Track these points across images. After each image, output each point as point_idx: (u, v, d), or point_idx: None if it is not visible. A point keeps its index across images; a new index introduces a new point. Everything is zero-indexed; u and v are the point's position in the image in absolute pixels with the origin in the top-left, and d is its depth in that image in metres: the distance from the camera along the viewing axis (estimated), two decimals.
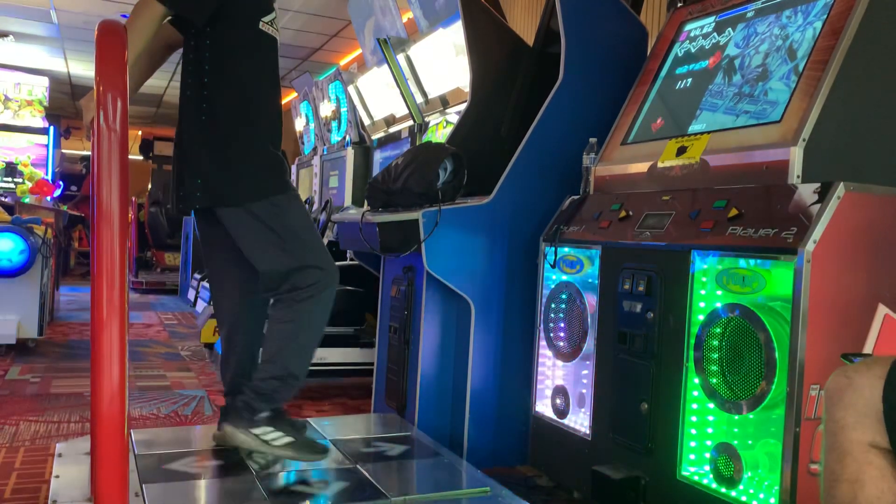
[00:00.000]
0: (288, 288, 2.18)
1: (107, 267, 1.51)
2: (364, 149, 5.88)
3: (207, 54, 2.16)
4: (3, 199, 6.10)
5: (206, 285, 6.40)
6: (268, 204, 2.17)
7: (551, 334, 2.60)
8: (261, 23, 2.21)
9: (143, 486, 2.02)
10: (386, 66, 4.77)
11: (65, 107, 12.32)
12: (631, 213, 2.30)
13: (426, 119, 4.73)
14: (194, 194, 2.17)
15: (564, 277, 2.56)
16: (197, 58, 2.18)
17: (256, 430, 2.16)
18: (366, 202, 3.06)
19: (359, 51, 7.36)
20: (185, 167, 2.19)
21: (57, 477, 2.10)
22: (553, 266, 2.58)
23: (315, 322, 2.23)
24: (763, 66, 2.20)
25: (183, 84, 2.21)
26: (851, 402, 1.14)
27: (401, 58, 4.64)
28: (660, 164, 2.32)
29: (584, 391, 2.45)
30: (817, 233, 1.73)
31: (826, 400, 1.16)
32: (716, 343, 1.94)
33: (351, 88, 5.76)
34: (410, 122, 4.92)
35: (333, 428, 2.71)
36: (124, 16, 2.17)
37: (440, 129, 4.46)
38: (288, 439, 2.18)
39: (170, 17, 2.13)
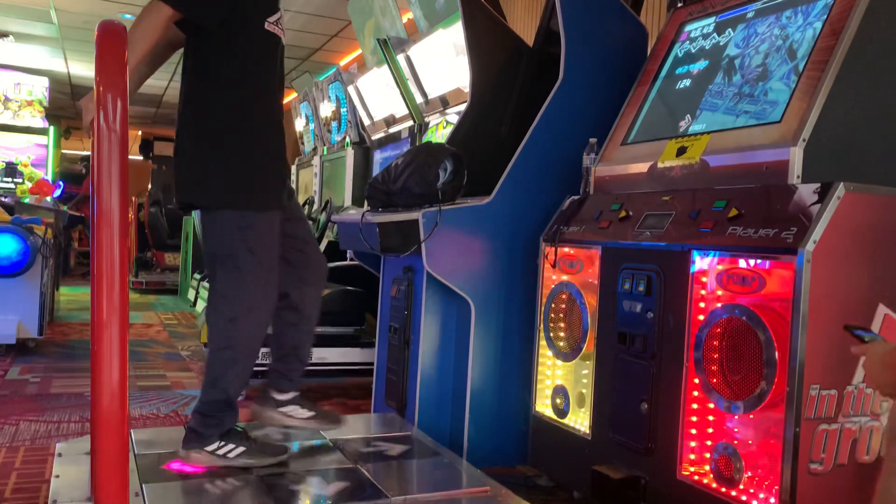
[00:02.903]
0: (220, 302, 2.21)
1: (107, 267, 1.51)
2: (364, 149, 5.88)
3: (212, 53, 2.15)
4: (3, 199, 6.10)
5: (207, 285, 6.40)
6: (237, 216, 2.17)
7: (551, 334, 2.60)
8: (266, 23, 2.20)
9: (143, 485, 2.02)
10: (386, 66, 4.78)
11: (65, 107, 12.32)
12: (631, 213, 2.30)
13: (426, 119, 4.73)
14: (183, 191, 2.21)
15: (564, 277, 2.56)
16: (201, 58, 2.17)
17: (210, 447, 2.20)
18: (366, 202, 3.06)
19: (359, 51, 7.36)
20: (180, 164, 2.20)
21: (57, 476, 2.10)
22: (553, 266, 2.59)
23: (246, 341, 2.24)
24: (763, 67, 2.20)
25: (185, 81, 2.21)
26: None
27: (401, 58, 4.64)
28: (660, 165, 2.32)
29: (584, 391, 2.45)
30: (817, 233, 1.73)
31: (887, 433, 1.16)
32: (716, 343, 1.94)
33: (351, 89, 5.77)
34: (410, 123, 4.92)
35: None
36: (126, 16, 2.16)
37: (440, 130, 4.46)
38: (241, 449, 2.21)
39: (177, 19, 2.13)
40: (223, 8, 2.12)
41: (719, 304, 1.95)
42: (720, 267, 1.96)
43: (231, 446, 2.20)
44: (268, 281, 2.23)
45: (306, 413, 2.47)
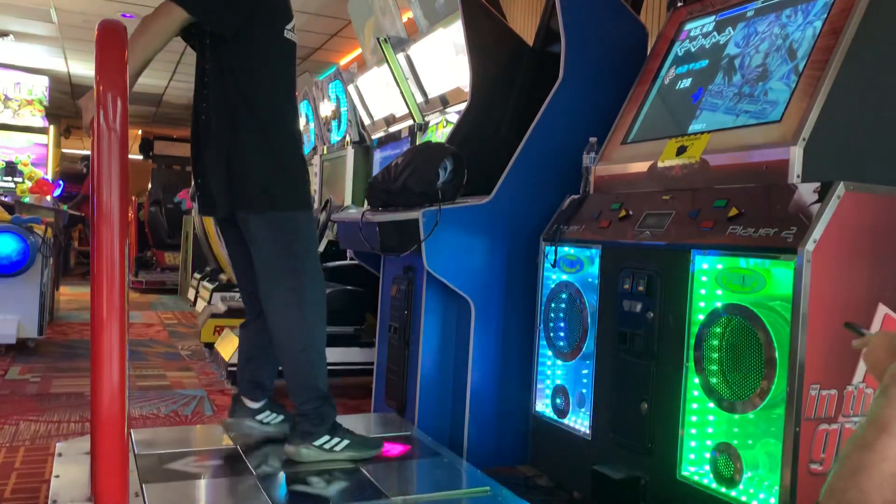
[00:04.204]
0: (287, 304, 2.23)
1: (107, 267, 1.51)
2: (364, 148, 5.88)
3: (235, 62, 2.16)
4: (3, 198, 6.09)
5: (207, 285, 6.42)
6: (286, 218, 2.20)
7: (551, 334, 2.60)
8: (285, 30, 2.23)
9: (143, 485, 2.02)
10: (386, 65, 4.78)
11: (65, 106, 12.32)
12: (631, 212, 2.30)
13: (426, 119, 4.73)
14: (221, 199, 2.19)
15: (564, 277, 2.56)
16: (223, 65, 2.17)
17: (318, 442, 2.26)
18: (366, 202, 3.06)
19: (359, 50, 7.36)
20: (215, 173, 2.18)
21: (57, 476, 2.10)
22: (553, 266, 2.58)
23: (320, 336, 2.30)
24: (763, 66, 2.20)
25: (209, 90, 2.20)
26: None
27: (401, 57, 4.64)
28: (660, 164, 2.31)
29: (584, 391, 2.45)
30: (817, 232, 1.73)
31: (887, 377, 1.15)
32: (716, 343, 1.94)
33: (351, 88, 5.77)
34: (410, 122, 4.92)
35: None
36: (125, 15, 2.16)
37: (440, 129, 4.46)
38: (346, 442, 2.29)
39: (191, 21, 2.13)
40: (240, 17, 2.13)
41: (719, 304, 1.95)
42: (720, 266, 1.96)
43: (337, 439, 2.27)
44: (321, 274, 2.30)
45: (278, 417, 2.48)
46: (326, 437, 2.27)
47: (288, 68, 2.28)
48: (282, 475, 2.21)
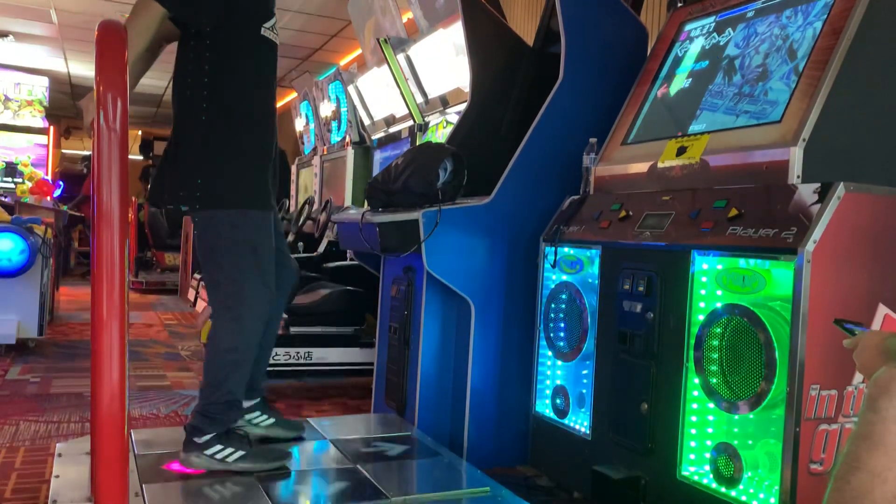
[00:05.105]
0: (225, 302, 2.20)
1: (107, 267, 1.51)
2: (364, 149, 5.88)
3: (208, 56, 2.15)
4: (3, 199, 6.09)
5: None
6: (237, 214, 2.17)
7: (551, 334, 2.60)
8: (262, 28, 2.21)
9: (143, 485, 2.02)
10: (386, 66, 4.78)
11: (65, 107, 12.32)
12: (631, 213, 2.30)
13: (426, 119, 4.73)
14: (177, 195, 2.18)
15: (564, 277, 2.56)
16: (196, 59, 2.17)
17: (209, 451, 2.16)
18: (366, 202, 3.06)
19: (359, 51, 7.36)
20: (175, 165, 2.18)
21: (57, 477, 2.10)
22: (553, 266, 2.58)
23: (251, 343, 2.24)
24: (763, 66, 2.20)
25: (180, 83, 2.20)
26: None
27: (401, 58, 4.64)
28: (660, 165, 2.32)
29: (584, 391, 2.45)
30: (817, 233, 1.73)
31: (872, 388, 1.13)
32: (716, 343, 1.94)
33: (351, 88, 5.77)
34: (410, 122, 4.92)
35: (333, 428, 2.71)
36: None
37: (440, 129, 4.46)
38: (241, 453, 2.18)
39: (169, 16, 2.13)
40: (216, 11, 2.12)
41: (719, 304, 1.95)
42: (720, 267, 1.96)
43: (230, 450, 2.18)
44: (265, 280, 2.23)
45: (268, 420, 2.46)
46: (218, 447, 2.16)
47: (264, 66, 2.25)
48: (282, 475, 2.21)
